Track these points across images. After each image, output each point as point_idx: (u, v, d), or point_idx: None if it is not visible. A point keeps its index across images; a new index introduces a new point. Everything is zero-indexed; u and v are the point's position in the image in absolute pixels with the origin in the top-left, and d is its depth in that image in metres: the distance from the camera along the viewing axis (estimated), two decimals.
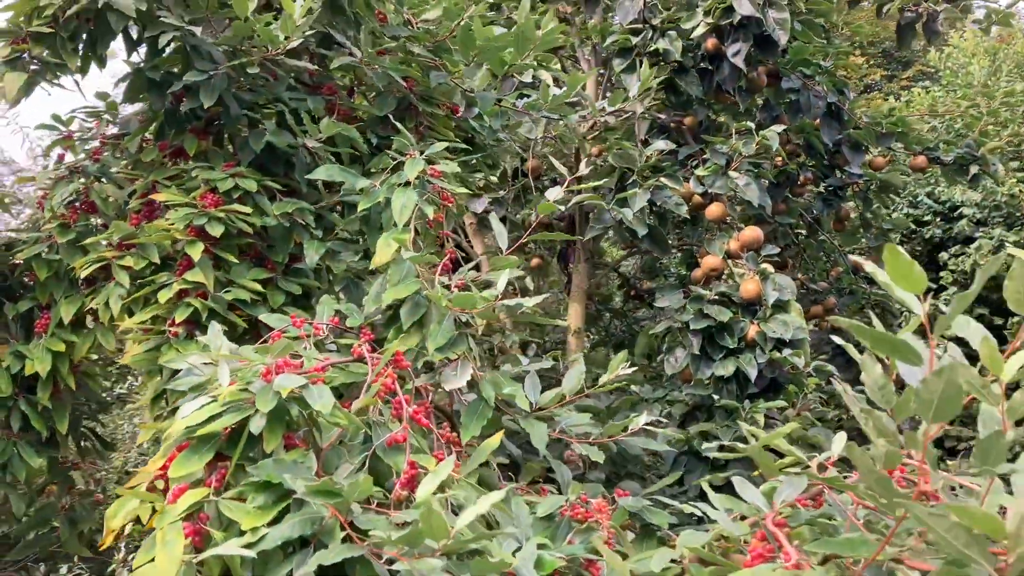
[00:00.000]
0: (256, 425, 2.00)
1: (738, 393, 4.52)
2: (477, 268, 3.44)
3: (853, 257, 3.33)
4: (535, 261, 6.51)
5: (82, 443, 3.73)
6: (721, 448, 2.18)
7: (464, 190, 3.01)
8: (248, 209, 2.96)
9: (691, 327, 4.60)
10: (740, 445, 1.99)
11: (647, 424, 2.63)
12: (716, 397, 4.46)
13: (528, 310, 2.65)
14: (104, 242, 3.14)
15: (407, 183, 2.90)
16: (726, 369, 4.49)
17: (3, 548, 4.05)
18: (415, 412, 2.32)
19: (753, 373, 4.42)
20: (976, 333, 1.64)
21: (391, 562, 1.85)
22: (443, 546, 1.77)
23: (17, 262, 3.39)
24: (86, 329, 3.37)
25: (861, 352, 1.71)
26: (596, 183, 4.90)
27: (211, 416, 2.02)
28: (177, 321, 2.80)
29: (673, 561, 1.94)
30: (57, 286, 3.33)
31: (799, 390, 4.65)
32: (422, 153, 2.96)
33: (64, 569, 5.66)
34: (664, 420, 3.95)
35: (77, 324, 3.34)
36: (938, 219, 10.97)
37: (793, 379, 4.64)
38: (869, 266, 1.60)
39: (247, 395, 2.05)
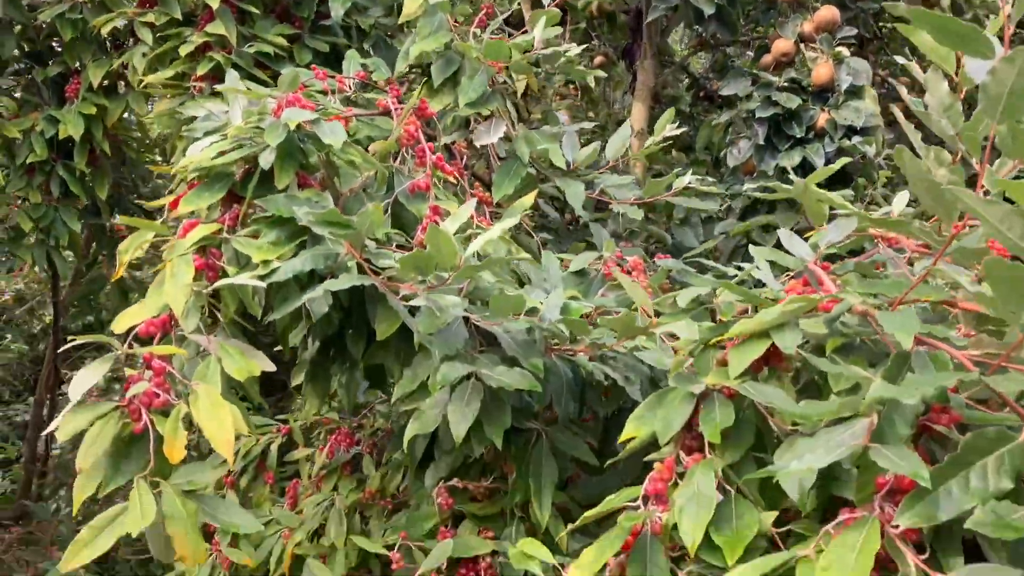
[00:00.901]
0: (265, 160, 1.90)
1: None
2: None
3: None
4: (598, 59, 6.16)
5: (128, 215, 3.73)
6: (763, 190, 2.01)
7: None
8: None
9: (757, 115, 4.35)
10: (783, 186, 1.82)
11: (691, 183, 2.46)
12: None
13: (567, 59, 2.46)
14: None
15: None
16: (792, 159, 4.25)
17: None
18: (439, 159, 2.19)
19: (820, 163, 4.16)
20: None
21: (409, 299, 1.78)
22: (453, 276, 1.68)
23: (43, 25, 3.27)
24: (118, 94, 3.28)
25: None
26: None
27: (220, 152, 1.93)
28: (199, 75, 2.69)
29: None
30: (85, 49, 3.23)
31: (869, 181, 4.39)
32: None
33: None
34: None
35: (109, 89, 3.26)
36: None
37: (863, 170, 4.38)
38: None
39: (257, 131, 1.95)
